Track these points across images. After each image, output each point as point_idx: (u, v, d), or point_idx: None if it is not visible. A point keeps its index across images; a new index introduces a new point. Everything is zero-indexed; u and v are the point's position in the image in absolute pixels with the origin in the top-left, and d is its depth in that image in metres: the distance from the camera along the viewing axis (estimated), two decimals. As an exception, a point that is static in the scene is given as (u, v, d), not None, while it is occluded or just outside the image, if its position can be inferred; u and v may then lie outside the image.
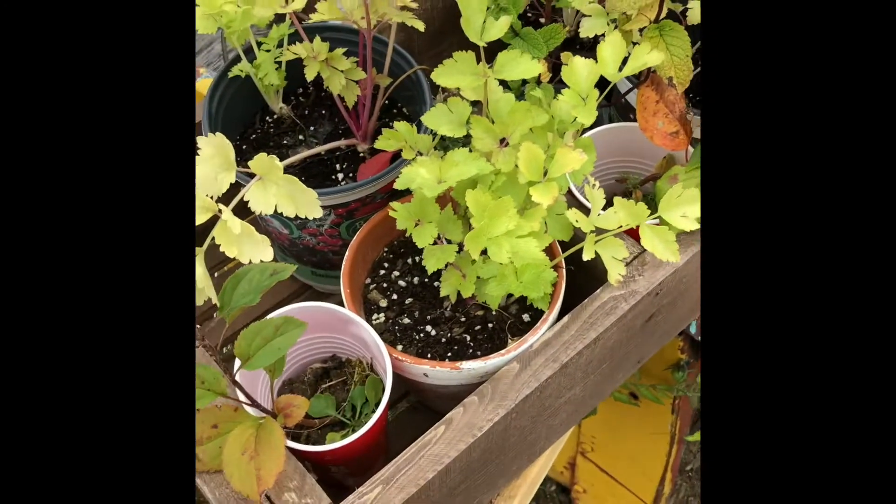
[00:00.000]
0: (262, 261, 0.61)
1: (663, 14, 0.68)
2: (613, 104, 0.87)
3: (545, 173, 0.62)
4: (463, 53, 0.62)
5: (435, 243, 0.65)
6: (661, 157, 0.82)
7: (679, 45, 0.67)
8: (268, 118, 0.88)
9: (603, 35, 0.79)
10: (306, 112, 0.88)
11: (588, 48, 0.90)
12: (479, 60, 0.62)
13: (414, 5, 0.65)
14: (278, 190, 0.64)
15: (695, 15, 0.74)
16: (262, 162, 0.62)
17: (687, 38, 0.67)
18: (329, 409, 0.71)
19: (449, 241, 0.66)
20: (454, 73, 0.62)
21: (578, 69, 0.62)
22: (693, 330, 0.96)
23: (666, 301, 0.77)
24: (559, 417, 0.77)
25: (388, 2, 0.66)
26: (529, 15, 0.91)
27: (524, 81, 0.82)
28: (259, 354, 0.59)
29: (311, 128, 0.87)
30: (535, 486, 0.85)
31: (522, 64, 0.61)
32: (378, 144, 0.66)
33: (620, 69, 0.61)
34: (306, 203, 0.66)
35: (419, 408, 0.86)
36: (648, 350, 0.86)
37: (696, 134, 0.80)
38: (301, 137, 0.86)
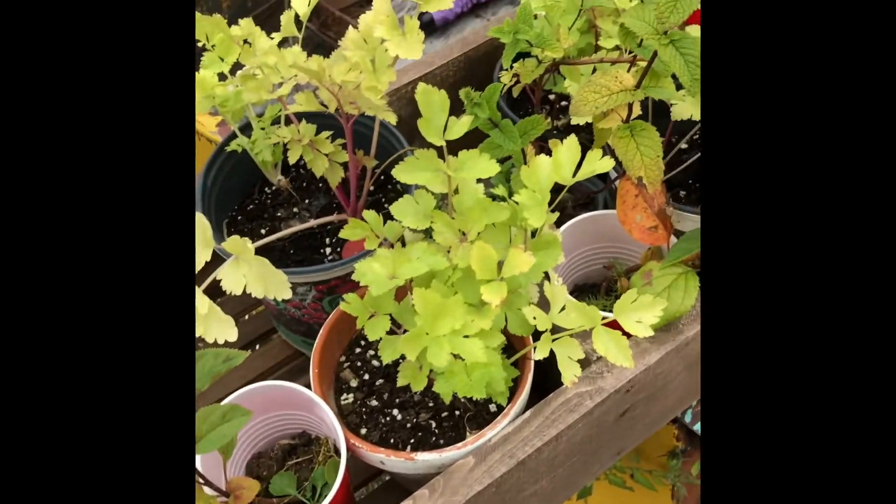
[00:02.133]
0: (226, 341, 0.63)
1: (634, 114, 0.67)
2: (607, 189, 0.86)
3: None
4: (425, 151, 0.63)
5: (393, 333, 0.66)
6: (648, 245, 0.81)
7: (649, 146, 0.66)
8: (266, 189, 0.90)
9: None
10: (304, 184, 0.90)
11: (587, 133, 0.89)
12: (442, 157, 0.63)
13: (381, 102, 0.67)
14: (249, 270, 0.66)
15: (679, 110, 0.73)
16: (236, 243, 0.64)
17: (658, 138, 0.66)
18: (290, 488, 0.72)
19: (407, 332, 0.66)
20: (414, 170, 0.63)
21: (540, 169, 0.62)
22: (688, 419, 0.93)
23: (642, 396, 0.76)
24: (526, 509, 0.76)
25: (360, 95, 0.67)
26: (522, 100, 0.92)
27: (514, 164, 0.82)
28: (207, 439, 0.61)
29: (307, 200, 0.89)
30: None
31: (481, 163, 0.62)
32: (343, 234, 0.67)
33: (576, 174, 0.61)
34: (276, 284, 0.67)
35: (394, 485, 0.86)
36: (629, 442, 0.84)
37: (680, 227, 0.79)
38: (295, 210, 0.88)
